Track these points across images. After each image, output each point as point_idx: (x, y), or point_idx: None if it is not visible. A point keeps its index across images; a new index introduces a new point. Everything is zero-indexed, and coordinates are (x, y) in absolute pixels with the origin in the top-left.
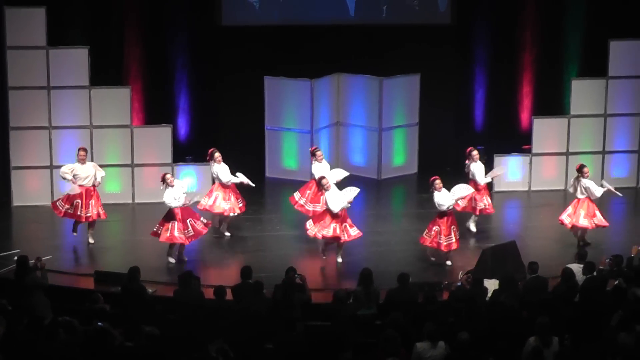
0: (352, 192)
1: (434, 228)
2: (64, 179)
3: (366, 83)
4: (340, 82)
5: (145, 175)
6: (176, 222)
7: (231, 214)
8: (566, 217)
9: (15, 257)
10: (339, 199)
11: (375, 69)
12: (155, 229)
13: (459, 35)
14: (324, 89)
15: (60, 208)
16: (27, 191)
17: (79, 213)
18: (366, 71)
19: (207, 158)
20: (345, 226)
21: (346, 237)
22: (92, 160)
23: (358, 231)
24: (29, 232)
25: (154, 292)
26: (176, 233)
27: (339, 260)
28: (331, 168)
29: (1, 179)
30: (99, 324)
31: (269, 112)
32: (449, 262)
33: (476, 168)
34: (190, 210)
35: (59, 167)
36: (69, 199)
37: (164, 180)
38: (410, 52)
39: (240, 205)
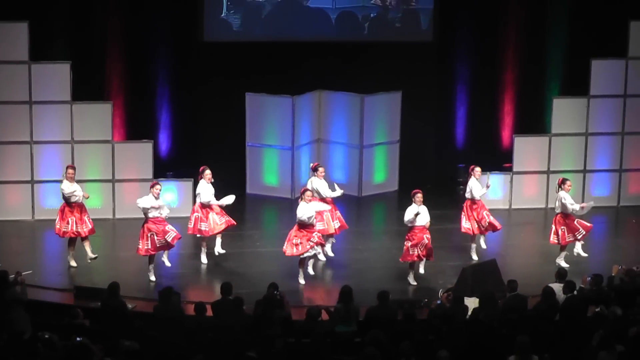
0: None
1: (405, 243)
2: (76, 197)
3: (347, 100)
4: (321, 99)
5: (126, 190)
6: (155, 234)
7: (211, 234)
8: (553, 237)
9: None
10: (311, 209)
11: (357, 86)
12: (140, 247)
13: (440, 53)
14: (305, 106)
15: (59, 227)
16: (8, 206)
17: (77, 229)
18: (347, 88)
19: (199, 177)
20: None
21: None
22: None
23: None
24: (9, 247)
25: (134, 308)
26: (157, 244)
27: (311, 272)
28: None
29: None
30: (78, 339)
31: (250, 128)
32: (421, 270)
33: (474, 183)
34: (161, 220)
35: (40, 182)
36: (64, 217)
37: (152, 187)
38: (392, 70)
39: (223, 223)
